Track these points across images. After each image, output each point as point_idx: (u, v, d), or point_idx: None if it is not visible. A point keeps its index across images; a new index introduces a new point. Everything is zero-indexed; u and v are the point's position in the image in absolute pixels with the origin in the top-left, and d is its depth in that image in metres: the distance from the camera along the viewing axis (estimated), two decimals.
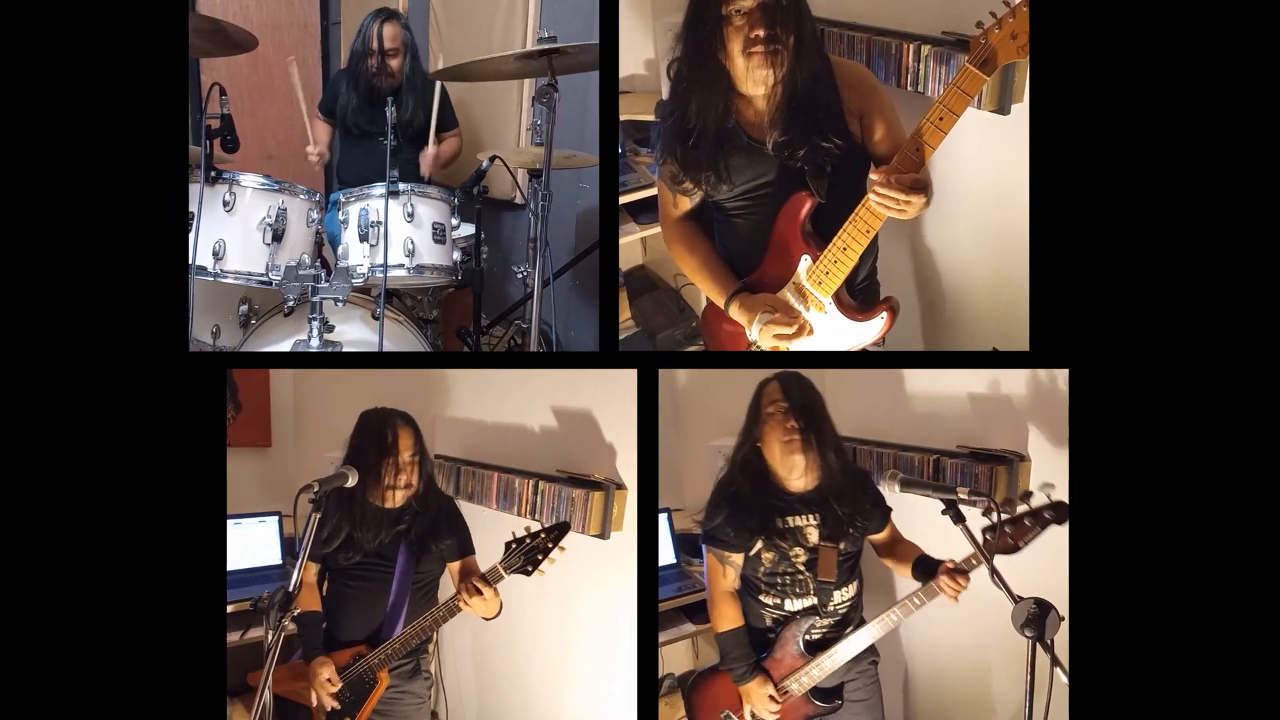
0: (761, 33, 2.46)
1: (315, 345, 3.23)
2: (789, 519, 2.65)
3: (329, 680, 2.71)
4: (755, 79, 2.52)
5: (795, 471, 2.64)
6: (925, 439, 3.03)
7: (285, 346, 3.35)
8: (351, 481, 2.54)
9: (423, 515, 2.84)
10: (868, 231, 2.51)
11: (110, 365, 2.39)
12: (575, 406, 3.13)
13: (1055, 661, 2.07)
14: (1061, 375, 2.55)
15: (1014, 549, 2.34)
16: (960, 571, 2.44)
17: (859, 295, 2.74)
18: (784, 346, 2.68)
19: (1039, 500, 2.40)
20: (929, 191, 2.45)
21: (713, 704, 2.75)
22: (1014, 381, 2.80)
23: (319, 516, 2.34)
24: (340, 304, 3.28)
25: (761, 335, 2.67)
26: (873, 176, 2.41)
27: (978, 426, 2.90)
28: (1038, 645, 2.08)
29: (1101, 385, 2.44)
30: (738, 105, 2.62)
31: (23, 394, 2.33)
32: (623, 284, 3.95)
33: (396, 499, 2.81)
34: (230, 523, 3.21)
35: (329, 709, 2.72)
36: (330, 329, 3.30)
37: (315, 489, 2.36)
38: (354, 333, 3.45)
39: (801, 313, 2.68)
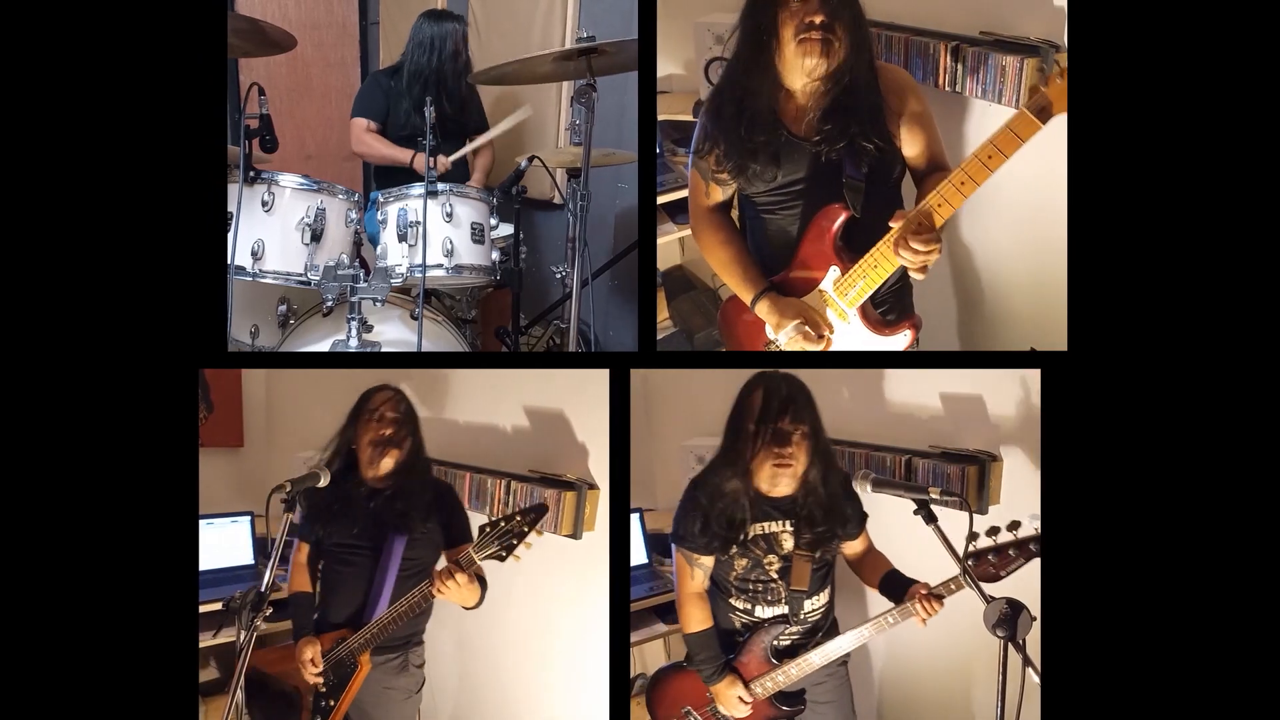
0: (815, 19, 2.44)
1: (354, 345, 3.23)
2: (764, 525, 2.61)
3: (312, 661, 2.72)
4: (802, 67, 2.50)
5: (778, 482, 2.58)
6: (897, 439, 3.00)
7: (324, 346, 3.36)
8: (323, 481, 2.54)
9: (413, 492, 2.81)
10: None
11: (145, 367, 2.41)
12: (547, 406, 3.12)
13: (1027, 661, 2.07)
14: (1034, 376, 2.54)
15: (996, 578, 2.32)
16: (936, 597, 2.41)
17: (890, 297, 2.72)
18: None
19: (1026, 531, 2.37)
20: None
21: (674, 700, 2.73)
22: (986, 381, 2.78)
23: (290, 516, 2.34)
24: (379, 304, 3.28)
25: (788, 342, 2.66)
26: (894, 225, 2.46)
27: (950, 426, 2.88)
28: (1010, 645, 2.08)
29: (1076, 385, 2.44)
30: (780, 99, 2.60)
31: (34, 390, 2.35)
32: (661, 284, 3.94)
33: (383, 465, 2.78)
34: (202, 523, 3.21)
35: (314, 687, 2.74)
36: (369, 329, 3.30)
37: (287, 489, 2.37)
38: (392, 333, 3.46)
39: (827, 324, 2.66)
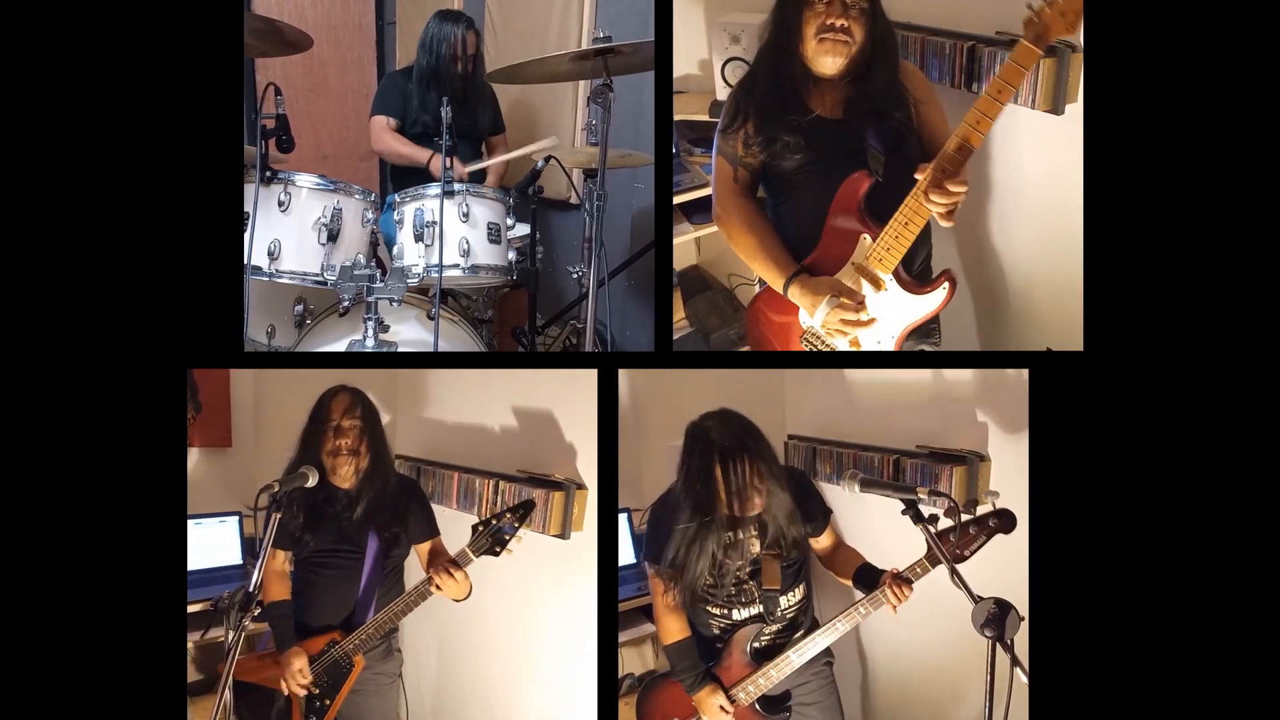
0: (836, 21, 2.56)
1: (370, 345, 3.23)
2: (730, 534, 2.63)
3: (300, 671, 2.73)
4: (822, 63, 2.60)
5: (746, 507, 2.61)
6: (885, 439, 2.98)
7: (340, 347, 3.36)
8: (312, 481, 2.55)
9: (380, 494, 2.83)
10: None
11: (136, 367, 2.42)
12: (536, 406, 3.11)
13: (1015, 661, 2.07)
14: (1021, 375, 2.55)
15: (960, 558, 2.32)
16: (905, 580, 2.43)
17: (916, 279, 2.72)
18: (849, 334, 2.69)
19: (985, 509, 2.41)
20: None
21: (662, 711, 2.75)
22: (974, 381, 2.77)
23: (279, 516, 2.35)
24: (395, 304, 3.29)
25: (829, 319, 2.66)
26: (919, 177, 2.51)
27: (938, 426, 2.86)
28: (998, 645, 2.08)
29: (1063, 385, 2.47)
30: (809, 87, 2.67)
31: (25, 390, 2.36)
32: (677, 284, 3.94)
33: (344, 473, 2.79)
34: (190, 523, 3.21)
35: (301, 696, 2.74)
36: (385, 329, 3.30)
37: (275, 488, 2.38)
38: (409, 333, 3.46)
39: (863, 295, 2.66)
